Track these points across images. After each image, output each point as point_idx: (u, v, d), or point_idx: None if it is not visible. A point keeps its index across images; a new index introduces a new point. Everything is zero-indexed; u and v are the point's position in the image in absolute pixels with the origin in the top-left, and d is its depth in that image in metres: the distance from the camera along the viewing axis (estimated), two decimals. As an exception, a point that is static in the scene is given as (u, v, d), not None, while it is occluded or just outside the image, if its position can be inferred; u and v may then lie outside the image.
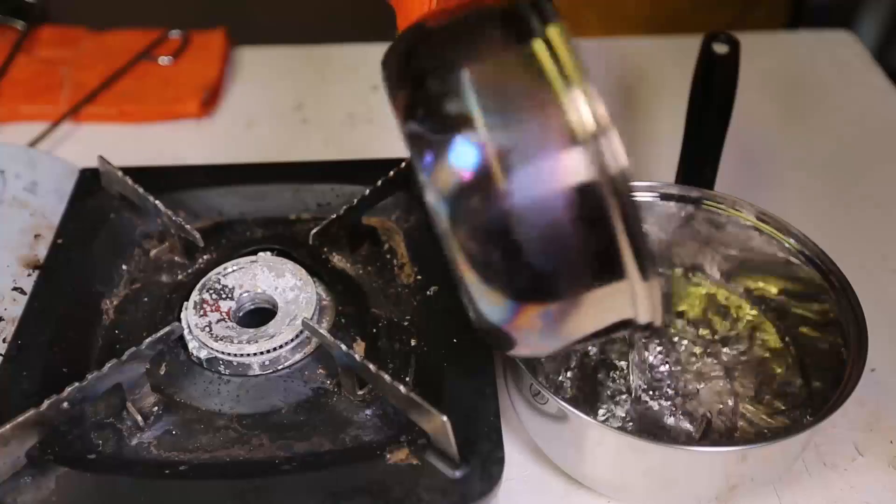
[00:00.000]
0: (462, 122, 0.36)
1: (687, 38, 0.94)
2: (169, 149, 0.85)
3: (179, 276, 0.65)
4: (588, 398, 0.60)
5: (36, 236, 0.69)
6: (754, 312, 0.64)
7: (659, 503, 0.57)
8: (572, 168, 0.35)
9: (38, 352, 0.58)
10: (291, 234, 0.68)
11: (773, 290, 0.65)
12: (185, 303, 0.60)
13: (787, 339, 0.64)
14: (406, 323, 0.61)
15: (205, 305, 0.59)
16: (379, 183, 0.65)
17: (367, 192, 0.65)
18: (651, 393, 0.60)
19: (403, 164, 0.66)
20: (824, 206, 0.79)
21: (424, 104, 0.38)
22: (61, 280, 0.63)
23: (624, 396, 0.60)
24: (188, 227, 0.64)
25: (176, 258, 0.66)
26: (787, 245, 0.63)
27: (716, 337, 0.64)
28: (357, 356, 0.53)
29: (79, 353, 0.59)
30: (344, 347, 0.53)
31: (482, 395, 0.55)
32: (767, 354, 0.63)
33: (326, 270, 0.65)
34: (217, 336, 0.57)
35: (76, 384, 0.51)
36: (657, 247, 0.68)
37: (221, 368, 0.57)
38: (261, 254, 0.64)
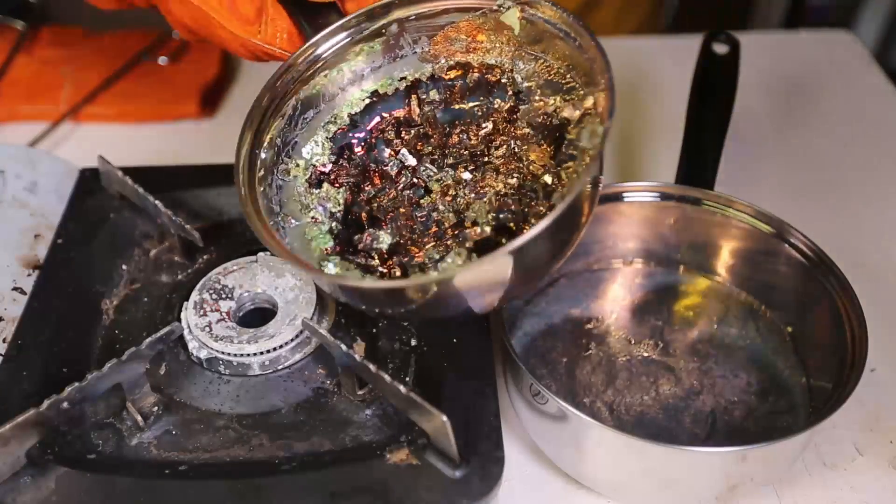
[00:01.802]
0: None
1: (687, 37, 0.94)
2: (169, 149, 0.85)
3: (179, 276, 0.65)
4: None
5: (36, 236, 0.69)
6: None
7: (659, 503, 0.57)
8: None
9: (38, 352, 0.58)
10: (291, 234, 0.68)
11: (774, 290, 0.65)
12: (185, 303, 0.60)
13: (788, 338, 0.64)
14: (406, 323, 0.61)
15: (205, 305, 0.59)
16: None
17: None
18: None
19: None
20: (824, 206, 0.79)
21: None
22: (61, 280, 0.63)
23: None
24: (188, 227, 0.64)
25: (176, 258, 0.66)
26: (787, 245, 0.63)
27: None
28: (357, 356, 0.53)
29: (79, 353, 0.59)
30: (344, 347, 0.53)
31: (482, 395, 0.55)
32: (769, 353, 0.63)
33: (326, 270, 0.65)
34: (217, 336, 0.57)
35: (76, 384, 0.51)
36: (658, 245, 0.68)
37: (221, 368, 0.57)
38: (261, 254, 0.64)
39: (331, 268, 0.53)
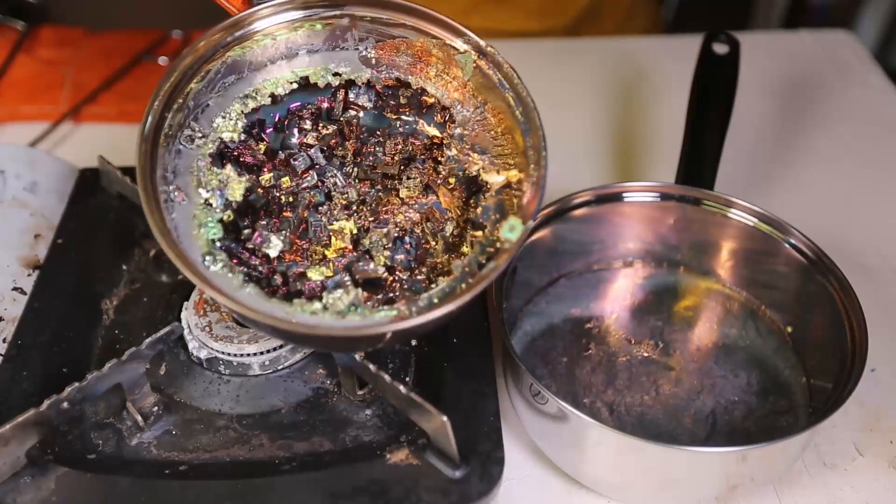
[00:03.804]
0: None
1: (687, 37, 0.94)
2: (169, 149, 0.85)
3: (179, 276, 0.65)
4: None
5: (36, 236, 0.69)
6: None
7: (659, 503, 0.57)
8: None
9: (38, 352, 0.58)
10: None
11: (774, 290, 0.65)
12: (185, 303, 0.60)
13: (788, 338, 0.64)
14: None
15: (205, 305, 0.59)
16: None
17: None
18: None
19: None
20: (824, 207, 0.79)
21: None
22: (61, 280, 0.63)
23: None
24: (188, 227, 0.64)
25: (176, 258, 0.66)
26: (787, 245, 0.63)
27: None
28: (357, 356, 0.53)
29: (79, 353, 0.59)
30: (344, 347, 0.53)
31: (482, 395, 0.55)
32: (769, 353, 0.63)
33: (326, 270, 0.65)
34: (217, 336, 0.57)
35: (76, 384, 0.51)
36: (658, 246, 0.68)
37: (221, 368, 0.57)
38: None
39: (214, 267, 0.50)
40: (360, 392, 0.56)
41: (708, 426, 0.59)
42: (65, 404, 0.51)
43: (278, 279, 0.53)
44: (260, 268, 0.53)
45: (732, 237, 0.65)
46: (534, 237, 0.63)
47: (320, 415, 0.56)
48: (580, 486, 0.57)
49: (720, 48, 0.73)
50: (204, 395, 0.56)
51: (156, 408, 0.55)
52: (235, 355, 0.57)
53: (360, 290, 0.51)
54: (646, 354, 0.63)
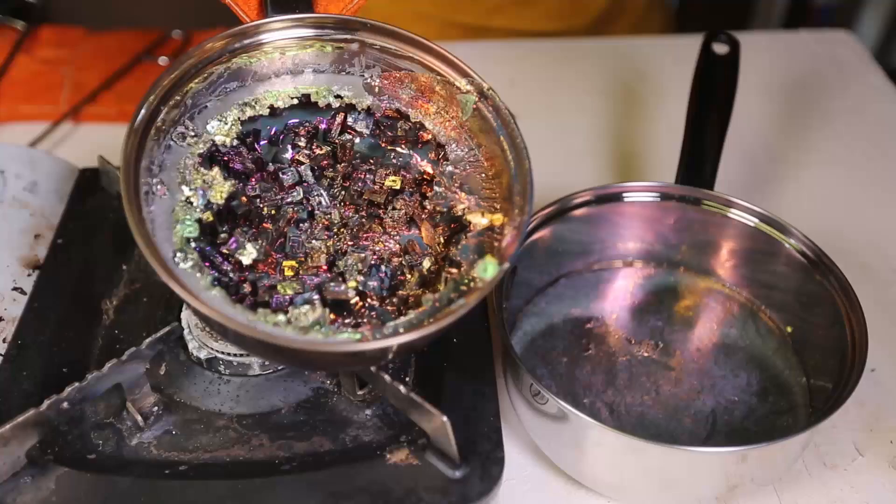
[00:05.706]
0: None
1: (687, 37, 0.95)
2: (169, 149, 0.85)
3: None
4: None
5: (36, 236, 0.69)
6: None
7: (659, 503, 0.57)
8: None
9: (38, 352, 0.58)
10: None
11: (774, 290, 0.65)
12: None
13: (788, 338, 0.64)
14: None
15: (205, 305, 0.59)
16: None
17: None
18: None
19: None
20: (824, 206, 0.79)
21: None
22: (61, 280, 0.63)
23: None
24: (188, 227, 0.64)
25: (176, 258, 0.66)
26: (787, 245, 0.63)
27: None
28: (357, 356, 0.53)
29: (79, 353, 0.59)
30: (344, 347, 0.53)
31: (482, 395, 0.55)
32: (769, 353, 0.63)
33: (326, 270, 0.65)
34: (217, 336, 0.57)
35: (76, 384, 0.51)
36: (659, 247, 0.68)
37: (221, 368, 0.57)
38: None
39: (184, 264, 0.49)
40: (360, 392, 0.56)
41: (708, 426, 0.59)
42: (65, 404, 0.51)
43: (247, 288, 0.53)
44: (231, 274, 0.53)
45: (732, 237, 0.65)
46: (534, 237, 0.63)
47: (320, 415, 0.56)
48: (580, 486, 0.57)
49: (720, 48, 0.73)
50: (204, 395, 0.56)
51: (156, 408, 0.55)
52: (235, 355, 0.57)
53: (327, 309, 0.51)
54: (646, 354, 0.63)
